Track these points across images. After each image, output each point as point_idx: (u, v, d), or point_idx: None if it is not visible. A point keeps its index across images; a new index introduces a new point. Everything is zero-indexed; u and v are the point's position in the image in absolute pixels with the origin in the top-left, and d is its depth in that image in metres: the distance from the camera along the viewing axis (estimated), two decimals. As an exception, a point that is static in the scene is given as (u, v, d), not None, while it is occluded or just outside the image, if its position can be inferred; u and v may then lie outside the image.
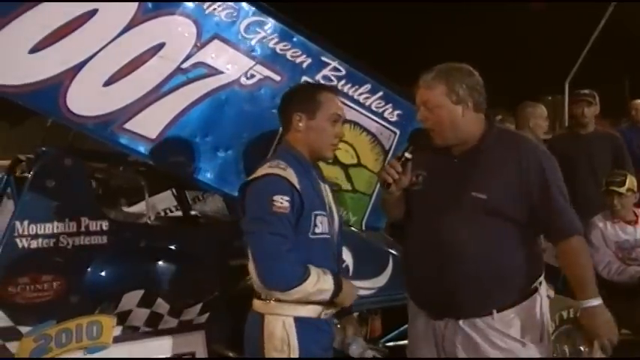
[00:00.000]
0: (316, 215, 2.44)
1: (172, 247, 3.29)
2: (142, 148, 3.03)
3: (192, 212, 4.32)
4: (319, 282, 2.37)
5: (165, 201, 4.77)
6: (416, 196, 2.61)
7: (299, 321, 2.39)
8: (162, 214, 4.74)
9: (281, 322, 2.38)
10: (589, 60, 9.61)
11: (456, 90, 2.46)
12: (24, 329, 2.83)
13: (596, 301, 2.48)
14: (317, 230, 2.43)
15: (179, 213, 4.49)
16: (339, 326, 2.78)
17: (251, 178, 2.45)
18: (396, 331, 3.89)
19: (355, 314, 3.66)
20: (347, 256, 3.65)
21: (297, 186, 2.38)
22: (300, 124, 2.52)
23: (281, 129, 2.79)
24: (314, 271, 2.37)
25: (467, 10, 14.30)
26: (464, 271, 2.44)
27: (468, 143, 2.53)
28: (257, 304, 2.45)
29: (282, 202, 2.33)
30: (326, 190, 2.59)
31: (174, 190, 4.33)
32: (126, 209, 4.81)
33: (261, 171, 2.43)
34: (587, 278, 2.52)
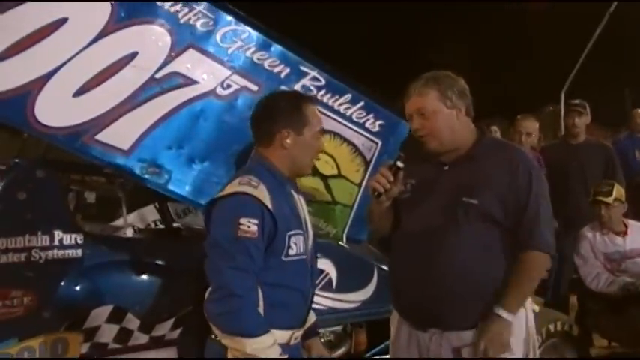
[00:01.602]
0: (291, 236, 2.28)
1: (147, 261, 3.22)
2: (115, 160, 2.97)
3: (175, 225, 4.26)
4: (270, 348, 2.16)
5: (154, 212, 4.72)
6: (404, 204, 2.58)
7: None
8: (153, 225, 4.69)
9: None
10: (588, 69, 9.59)
11: (449, 95, 2.48)
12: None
13: (509, 316, 2.40)
14: (291, 252, 2.27)
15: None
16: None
17: (218, 195, 2.27)
18: (382, 345, 3.83)
19: (331, 336, 3.61)
20: (331, 269, 3.61)
21: (270, 206, 2.21)
22: (288, 141, 2.34)
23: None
24: (271, 335, 2.18)
25: (463, 20, 14.32)
26: (452, 280, 2.41)
27: (459, 151, 2.53)
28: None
29: (249, 225, 2.15)
30: (301, 204, 2.46)
31: (156, 203, 4.27)
32: (112, 223, 4.78)
33: (230, 188, 2.24)
34: (519, 292, 2.46)
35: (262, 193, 2.22)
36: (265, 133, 2.39)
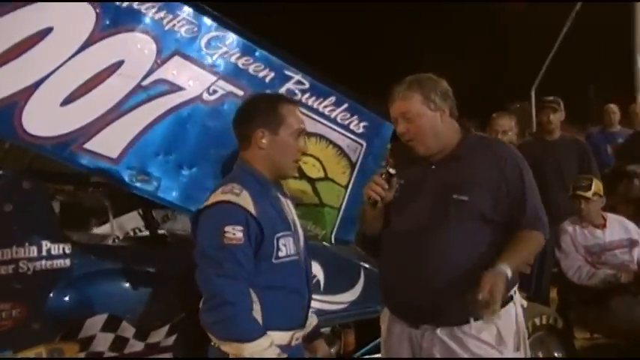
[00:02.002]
0: (279, 238, 2.29)
1: (137, 269, 3.21)
2: (104, 169, 2.95)
3: (160, 231, 4.24)
4: (267, 350, 2.19)
5: (133, 220, 4.69)
6: (393, 204, 2.59)
7: None
8: (132, 233, 4.66)
9: None
10: (554, 67, 9.73)
11: (432, 97, 2.50)
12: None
13: (505, 268, 2.36)
14: (280, 254, 2.29)
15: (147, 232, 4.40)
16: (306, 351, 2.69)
17: (203, 206, 2.29)
18: (370, 345, 3.86)
19: (324, 334, 3.63)
20: (318, 271, 3.63)
21: (254, 211, 2.22)
22: (263, 141, 2.35)
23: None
24: (267, 338, 2.21)
25: (431, 19, 14.45)
26: (443, 276, 2.44)
27: (445, 150, 2.56)
28: None
29: (234, 232, 2.18)
30: (289, 207, 2.47)
31: (140, 210, 4.24)
32: (94, 230, 4.73)
33: (214, 198, 2.26)
34: (517, 255, 2.45)
35: (245, 200, 2.24)
36: (243, 134, 2.41)
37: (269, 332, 2.23)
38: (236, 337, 2.16)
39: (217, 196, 2.26)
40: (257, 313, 2.25)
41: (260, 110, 2.40)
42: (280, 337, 2.28)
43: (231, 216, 2.21)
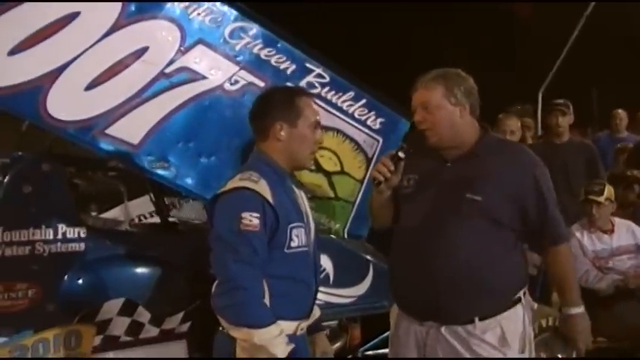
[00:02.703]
0: (292, 228, 2.32)
1: (151, 254, 3.22)
2: (124, 154, 2.97)
3: (171, 219, 4.25)
4: (277, 338, 2.21)
5: (140, 207, 4.69)
6: (405, 198, 2.60)
7: None
8: (137, 220, 4.67)
9: None
10: (559, 70, 9.73)
11: (454, 92, 2.50)
12: (-1, 340, 2.75)
13: (579, 309, 2.57)
14: (293, 244, 2.32)
15: (154, 219, 4.42)
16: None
17: (221, 191, 2.32)
18: (376, 339, 3.89)
19: (326, 330, 3.65)
20: (327, 264, 3.65)
21: (271, 200, 2.25)
22: (282, 133, 2.39)
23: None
24: (277, 326, 2.23)
25: (439, 20, 14.42)
26: (452, 274, 2.45)
27: (462, 148, 2.56)
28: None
29: (251, 219, 2.20)
30: (302, 198, 2.51)
31: (151, 196, 4.26)
32: (104, 215, 4.74)
33: (232, 184, 2.29)
34: (573, 286, 2.61)
35: (263, 188, 2.27)
36: (261, 127, 2.44)
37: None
38: (247, 323, 2.18)
39: (235, 182, 2.28)
40: (265, 301, 2.27)
41: (278, 103, 2.43)
42: (287, 326, 2.30)
43: (249, 202, 2.23)
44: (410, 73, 2.63)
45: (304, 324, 2.42)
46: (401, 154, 2.49)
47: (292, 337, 2.31)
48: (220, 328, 2.31)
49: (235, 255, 2.19)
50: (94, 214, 4.79)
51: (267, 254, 2.27)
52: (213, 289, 2.26)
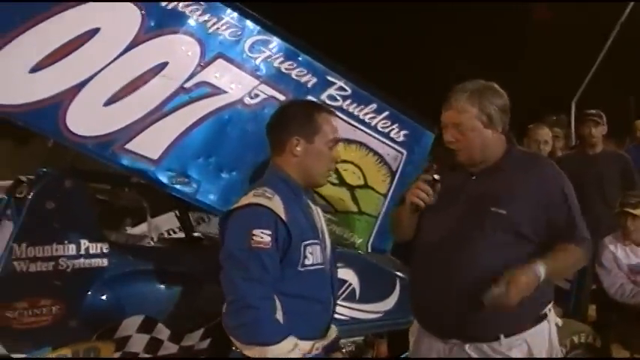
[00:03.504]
0: (306, 246, 2.28)
1: (174, 270, 3.22)
2: (144, 169, 2.97)
3: (196, 234, 4.25)
4: (291, 353, 2.17)
5: (168, 222, 4.71)
6: (429, 212, 2.54)
7: None
8: (166, 235, 4.68)
9: None
10: (594, 79, 9.58)
11: (488, 112, 2.44)
12: (18, 357, 2.76)
13: (539, 269, 2.29)
14: (307, 262, 2.27)
15: (182, 234, 4.42)
16: None
17: (233, 207, 2.28)
18: (403, 355, 3.81)
19: (352, 346, 3.59)
20: (353, 279, 3.61)
21: (284, 217, 2.21)
22: (298, 149, 2.33)
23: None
24: (290, 340, 2.18)
25: (469, 25, 14.33)
26: (474, 290, 2.36)
27: (488, 161, 2.51)
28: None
29: (262, 236, 2.16)
30: (318, 215, 2.46)
31: (176, 212, 4.26)
32: (129, 230, 4.77)
33: (245, 200, 2.25)
34: (556, 263, 2.38)
35: (276, 204, 2.23)
36: (277, 140, 2.40)
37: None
38: (259, 341, 2.15)
39: (249, 199, 2.24)
40: (279, 317, 2.22)
41: (296, 117, 2.38)
42: (301, 345, 2.24)
43: (262, 219, 2.20)
44: (437, 85, 2.57)
45: (319, 344, 2.35)
46: (437, 177, 2.44)
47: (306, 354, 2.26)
48: (234, 347, 2.27)
49: (245, 273, 2.16)
50: (127, 228, 4.84)
51: (278, 272, 2.23)
52: (223, 309, 2.23)
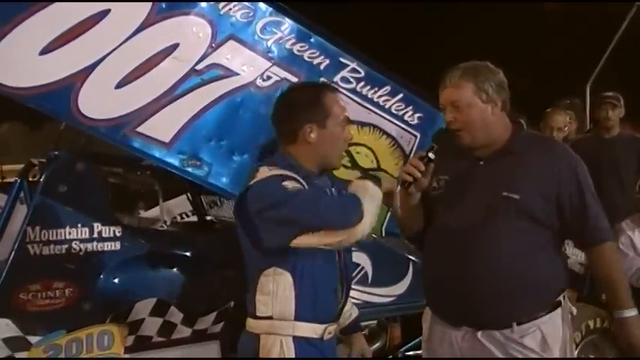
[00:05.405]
0: None
1: (186, 254, 3.21)
2: (156, 152, 2.96)
3: (208, 217, 4.24)
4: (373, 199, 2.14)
5: (180, 205, 4.71)
6: (438, 200, 2.50)
7: (298, 342, 2.17)
8: (179, 218, 4.69)
9: (278, 343, 2.16)
10: (609, 63, 9.47)
11: (485, 88, 2.38)
12: (33, 339, 2.77)
13: (632, 312, 2.39)
14: None
15: (194, 218, 4.42)
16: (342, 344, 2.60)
17: (253, 182, 2.16)
18: (417, 340, 3.80)
19: (365, 330, 3.57)
20: (366, 263, 3.59)
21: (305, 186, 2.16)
22: (312, 136, 2.22)
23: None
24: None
25: (483, 10, 14.19)
26: (489, 276, 2.34)
27: (495, 145, 2.44)
28: (251, 323, 2.21)
29: (295, 184, 2.08)
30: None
31: (189, 195, 4.26)
32: (141, 214, 4.77)
33: (262, 174, 2.15)
34: (621, 286, 2.43)
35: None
36: (288, 130, 2.28)
37: (300, 323, 2.17)
38: (355, 207, 2.08)
39: (266, 172, 2.16)
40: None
41: (304, 104, 2.27)
42: (313, 329, 2.21)
43: (286, 179, 2.11)
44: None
45: (331, 327, 2.30)
46: (431, 155, 2.35)
47: (319, 342, 2.23)
48: (246, 329, 2.24)
49: (293, 199, 2.05)
50: (140, 212, 4.85)
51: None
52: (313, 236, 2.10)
